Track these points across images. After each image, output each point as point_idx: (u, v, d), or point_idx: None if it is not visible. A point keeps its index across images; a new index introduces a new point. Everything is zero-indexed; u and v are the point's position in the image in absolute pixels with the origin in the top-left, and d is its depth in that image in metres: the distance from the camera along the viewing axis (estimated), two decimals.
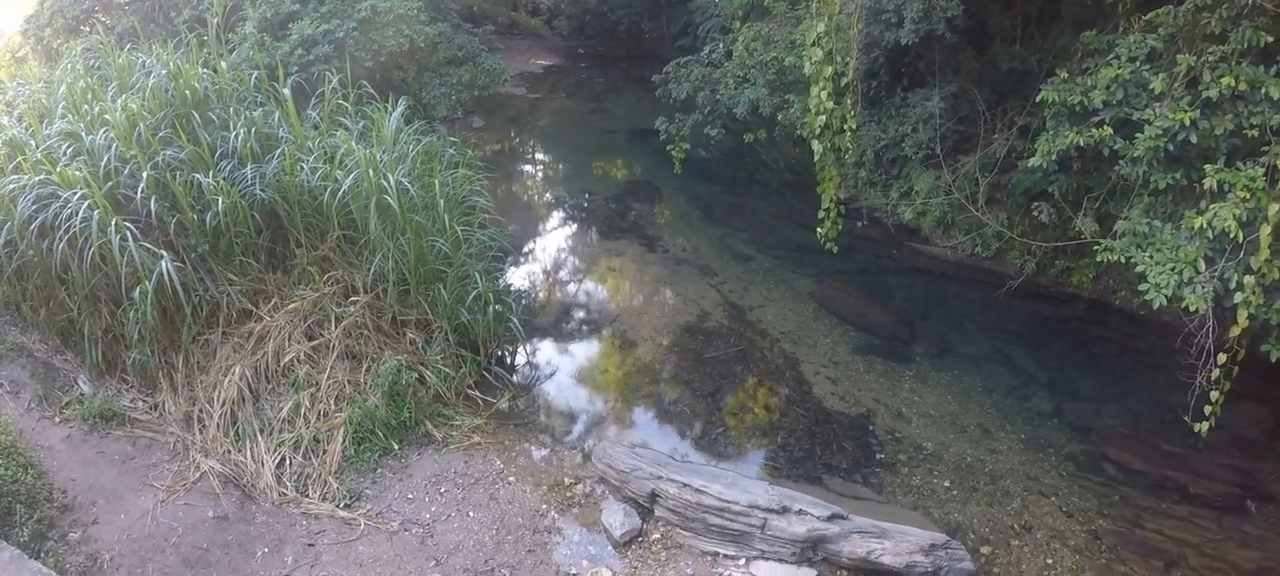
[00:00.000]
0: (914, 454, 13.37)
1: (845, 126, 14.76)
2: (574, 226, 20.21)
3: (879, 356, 15.85)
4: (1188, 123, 11.99)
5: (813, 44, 13.88)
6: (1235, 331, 11.35)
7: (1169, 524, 12.30)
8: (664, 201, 22.00)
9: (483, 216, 15.42)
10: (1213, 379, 11.70)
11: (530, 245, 18.80)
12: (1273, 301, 11.43)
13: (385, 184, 13.03)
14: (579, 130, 26.98)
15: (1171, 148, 12.25)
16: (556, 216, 20.49)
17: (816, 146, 14.41)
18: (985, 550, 11.65)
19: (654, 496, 11.53)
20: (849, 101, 15.02)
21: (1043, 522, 12.16)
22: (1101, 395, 14.97)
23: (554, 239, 19.46)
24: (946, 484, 12.78)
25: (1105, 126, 13.18)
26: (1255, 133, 11.73)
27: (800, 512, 10.91)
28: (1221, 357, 11.52)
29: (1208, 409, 11.82)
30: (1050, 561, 11.54)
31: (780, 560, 10.88)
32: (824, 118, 14.03)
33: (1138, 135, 12.48)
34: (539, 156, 24.84)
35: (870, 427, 13.95)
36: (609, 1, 41.19)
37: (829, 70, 13.84)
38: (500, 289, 14.52)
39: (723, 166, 22.45)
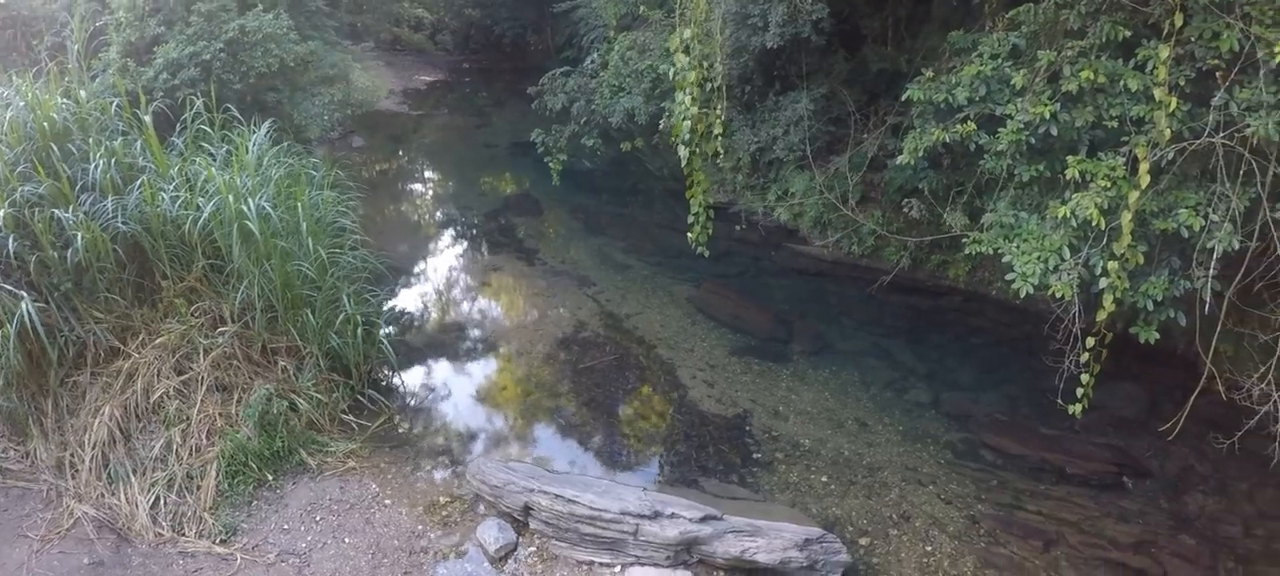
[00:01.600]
0: (792, 451, 13.47)
1: (713, 131, 14.91)
2: (453, 243, 20.09)
3: (756, 357, 15.97)
4: (1048, 116, 12.26)
5: (677, 50, 14.02)
6: (1102, 316, 11.65)
7: (1047, 504, 12.56)
8: (544, 214, 21.97)
9: (353, 238, 15.29)
10: (1083, 362, 12.01)
11: (408, 264, 18.61)
12: (1138, 285, 11.78)
13: (246, 210, 12.86)
14: (461, 146, 26.84)
15: (1033, 141, 12.51)
16: (436, 234, 20.31)
17: (684, 152, 14.45)
18: (864, 541, 11.79)
19: (527, 509, 11.45)
20: (717, 106, 15.10)
21: (921, 511, 12.34)
22: (980, 384, 15.28)
23: (432, 257, 19.30)
24: (824, 479, 12.91)
25: (969, 122, 13.45)
26: (1115, 124, 12.01)
27: (672, 516, 10.90)
28: (1090, 342, 11.82)
29: (1080, 391, 12.15)
30: (929, 548, 11.71)
31: (655, 564, 10.85)
32: (690, 123, 14.20)
33: (1000, 130, 12.72)
34: (419, 174, 24.67)
35: (747, 428, 14.04)
36: (493, 15, 41.05)
37: (694, 76, 13.86)
38: (371, 311, 14.36)
39: (606, 177, 22.53)
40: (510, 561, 11.08)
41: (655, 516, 10.95)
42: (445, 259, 19.33)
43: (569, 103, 20.84)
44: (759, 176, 20.21)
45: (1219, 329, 11.72)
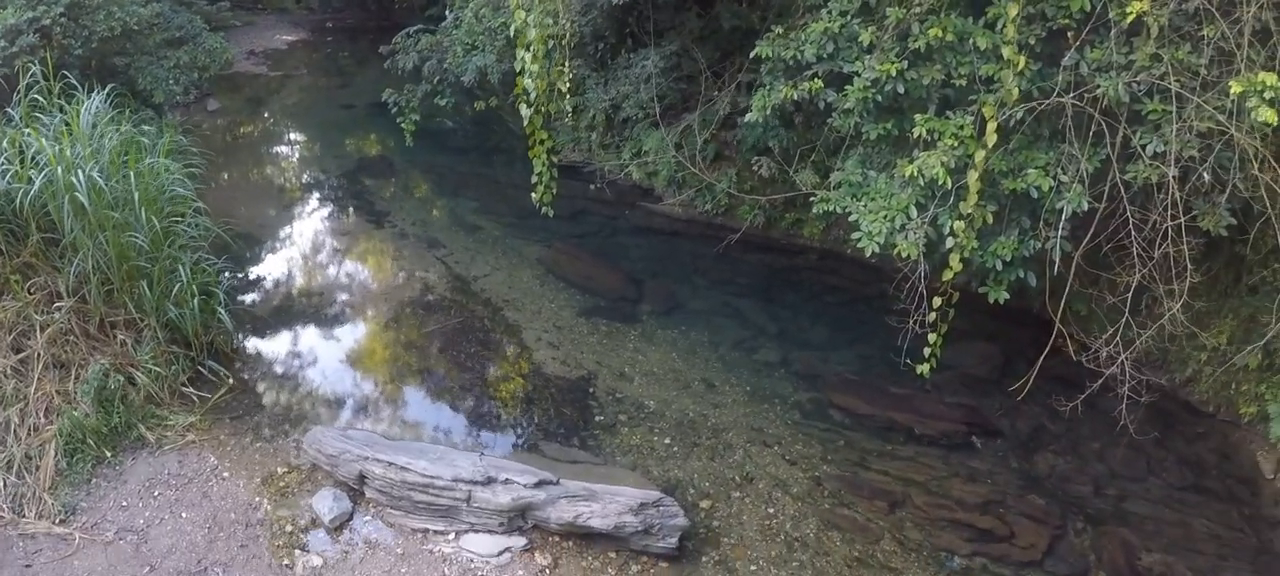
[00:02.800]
0: (635, 413, 13.34)
1: (555, 90, 14.70)
2: (304, 207, 19.52)
3: (604, 318, 15.73)
4: (895, 73, 12.01)
5: (516, 6, 13.74)
6: (948, 275, 11.56)
7: (894, 465, 12.52)
8: (397, 176, 21.44)
9: (195, 206, 14.81)
10: (930, 322, 11.89)
11: (258, 230, 18.00)
12: (987, 245, 11.69)
13: (76, 181, 12.40)
14: (320, 107, 26.23)
15: (881, 99, 12.28)
16: (287, 198, 19.66)
17: (525, 111, 14.12)
18: (705, 504, 11.66)
19: (362, 477, 11.21)
20: (563, 64, 14.91)
21: (765, 472, 12.22)
22: (831, 343, 15.17)
23: (282, 222, 18.67)
24: (667, 441, 12.76)
25: (817, 80, 13.19)
26: (964, 82, 11.85)
27: (506, 482, 10.73)
28: (937, 301, 11.73)
29: (927, 351, 12.05)
30: (772, 510, 11.61)
31: (490, 531, 10.77)
32: (531, 82, 13.93)
33: (847, 87, 12.48)
34: (274, 137, 24.03)
35: (591, 390, 13.83)
36: None
37: (535, 33, 13.49)
38: (209, 280, 13.88)
39: (467, 136, 22.15)
40: (346, 530, 10.95)
41: (488, 482, 10.79)
42: (295, 224, 18.82)
43: (421, 61, 20.34)
44: (614, 135, 19.89)
45: (1068, 290, 11.68)
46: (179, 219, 14.06)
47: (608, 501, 10.73)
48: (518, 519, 10.86)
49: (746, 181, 17.67)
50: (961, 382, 14.28)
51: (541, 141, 14.67)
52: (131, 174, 13.10)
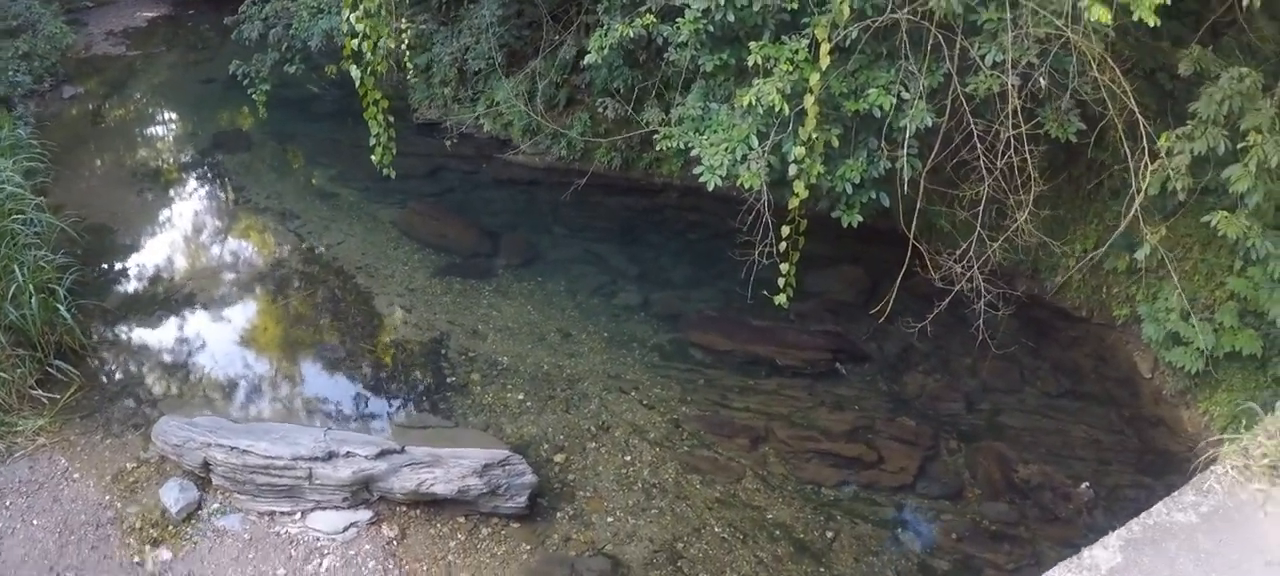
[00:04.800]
0: (488, 371, 13.12)
1: (386, 48, 14.34)
2: (156, 191, 18.74)
3: (459, 276, 15.43)
4: (724, 2, 11.61)
5: None
6: (794, 202, 11.35)
7: (756, 399, 12.37)
8: (253, 149, 20.70)
9: (36, 201, 14.63)
10: (781, 252, 11.71)
11: (108, 220, 17.28)
12: (835, 169, 11.46)
13: None
14: (179, 85, 25.46)
15: (712, 29, 11.95)
16: (139, 183, 18.79)
17: (354, 71, 13.76)
18: (559, 458, 11.49)
19: (207, 465, 10.90)
20: (390, 20, 14.68)
21: (622, 420, 12.06)
22: (694, 281, 14.94)
23: (134, 209, 17.87)
24: (521, 397, 12.55)
25: (649, 14, 12.98)
26: (795, 6, 11.47)
27: (348, 455, 10.52)
28: (785, 230, 11.53)
29: (781, 281, 11.86)
30: (629, 459, 11.48)
31: (335, 508, 10.58)
32: (358, 40, 13.65)
33: (679, 20, 12.17)
34: (131, 120, 23.15)
35: (443, 351, 13.56)
36: None
37: None
38: (50, 278, 13.49)
39: (331, 102, 21.71)
40: (194, 520, 10.70)
41: (329, 458, 10.57)
42: (147, 210, 18.14)
43: (266, 29, 19.91)
44: (467, 89, 19.57)
45: (918, 208, 11.42)
46: (18, 215, 13.78)
47: (451, 465, 10.52)
48: (362, 492, 10.66)
49: (600, 124, 17.35)
50: (827, 309, 14.13)
51: (375, 101, 14.19)
52: None
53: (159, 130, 23.55)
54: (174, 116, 24.18)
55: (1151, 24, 9.36)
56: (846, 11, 10.66)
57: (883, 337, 13.44)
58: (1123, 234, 11.51)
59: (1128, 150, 10.51)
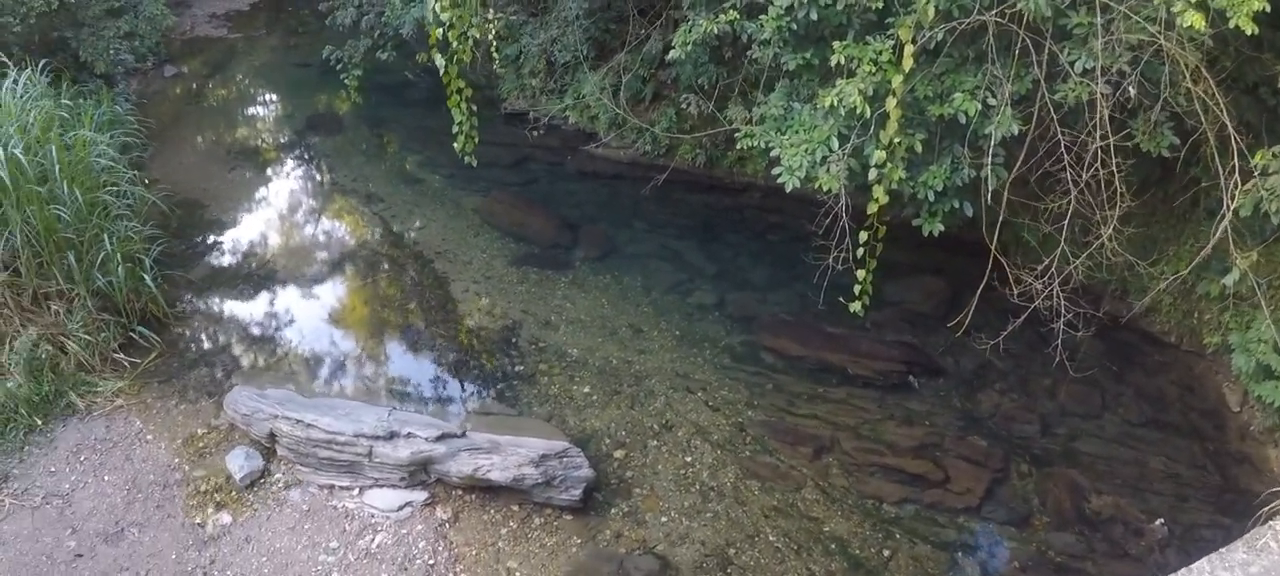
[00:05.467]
0: (556, 361, 13.14)
1: (473, 38, 14.26)
2: (246, 171, 18.80)
3: (536, 266, 15.38)
4: (806, 1, 11.34)
5: None
6: (873, 208, 11.01)
7: (824, 408, 12.13)
8: (345, 132, 20.91)
9: (130, 175, 14.87)
10: (859, 258, 11.38)
11: (199, 195, 17.44)
12: (917, 175, 11.12)
13: None
14: (277, 67, 25.68)
15: (795, 27, 11.65)
16: (230, 162, 18.83)
17: (440, 60, 13.78)
18: (619, 454, 11.45)
19: (273, 436, 11.18)
20: (475, 10, 14.64)
21: (686, 420, 11.93)
22: (771, 282, 14.72)
23: (224, 185, 17.99)
24: (587, 389, 12.52)
25: (733, 10, 12.75)
26: (880, 5, 11.08)
27: (408, 436, 10.66)
28: (863, 236, 11.20)
29: (857, 288, 11.55)
30: (689, 459, 11.37)
31: (392, 486, 10.79)
32: (442, 31, 13.50)
33: (763, 17, 11.90)
34: (227, 100, 23.32)
35: (514, 340, 13.53)
36: None
37: None
38: (137, 248, 13.85)
39: (425, 89, 21.88)
40: (257, 488, 11.07)
41: (390, 437, 10.73)
42: (236, 187, 18.30)
43: (359, 16, 20.07)
44: (555, 81, 19.64)
45: (1000, 219, 11.05)
46: (111, 188, 14.05)
47: (509, 453, 10.56)
48: (420, 473, 10.80)
49: (686, 121, 17.19)
50: (904, 319, 13.79)
51: (459, 90, 14.15)
52: (53, 148, 13.08)
53: (254, 111, 23.85)
54: (269, 98, 24.48)
55: (1249, 32, 8.98)
56: (931, 12, 10.29)
57: (960, 352, 13.08)
58: (1217, 257, 11.07)
59: (1219, 167, 10.08)
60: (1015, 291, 11.44)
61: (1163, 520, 10.79)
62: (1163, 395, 12.72)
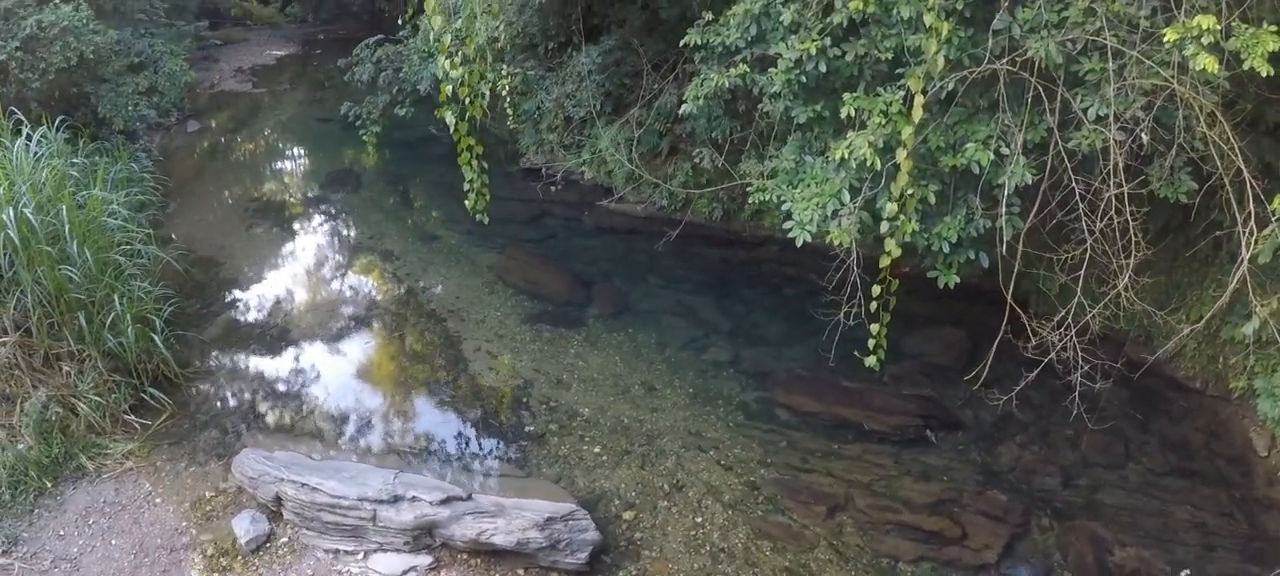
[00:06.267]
0: (567, 421, 12.97)
1: (483, 94, 14.16)
2: (264, 228, 18.93)
3: (549, 323, 15.29)
4: (815, 52, 11.31)
5: (432, 12, 13.35)
6: (885, 261, 10.89)
7: (838, 465, 11.93)
8: (362, 189, 20.89)
9: (143, 233, 14.94)
10: (872, 312, 11.23)
11: (215, 253, 17.51)
12: (931, 227, 10.97)
13: (5, 219, 12.43)
14: (298, 123, 25.89)
15: (805, 79, 11.62)
16: (249, 219, 18.99)
17: (450, 118, 13.72)
18: (628, 515, 11.26)
19: (279, 499, 11.10)
20: (485, 67, 14.61)
21: (697, 480, 11.74)
22: (787, 338, 14.57)
23: (240, 244, 18.09)
24: (597, 449, 12.36)
25: (743, 64, 12.67)
26: (889, 55, 11.10)
27: (413, 499, 10.56)
28: (877, 290, 11.05)
29: (872, 342, 11.38)
30: (700, 520, 11.15)
31: (397, 550, 10.60)
32: (452, 88, 13.44)
33: (772, 70, 11.87)
34: (247, 157, 23.58)
35: (525, 399, 13.40)
36: None
37: (449, 38, 13.12)
38: (148, 309, 13.82)
39: (442, 144, 21.92)
40: (263, 553, 10.87)
41: (394, 501, 10.63)
42: (252, 245, 18.35)
43: (377, 73, 20.16)
44: (572, 136, 19.73)
45: (1016, 270, 10.88)
46: (124, 248, 14.09)
47: (513, 516, 10.44)
48: (424, 537, 10.63)
49: (703, 175, 17.20)
50: (922, 372, 13.62)
51: (469, 148, 14.12)
52: (64, 207, 13.09)
53: (275, 166, 24.03)
54: (290, 154, 24.70)
55: (1264, 73, 8.83)
56: (941, 62, 10.22)
57: (979, 405, 12.86)
58: (1240, 303, 10.87)
59: (1236, 212, 9.90)
60: (1030, 345, 11.24)
61: (1188, 571, 10.42)
62: (1188, 442, 12.50)
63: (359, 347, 15.30)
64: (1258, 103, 11.07)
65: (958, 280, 11.44)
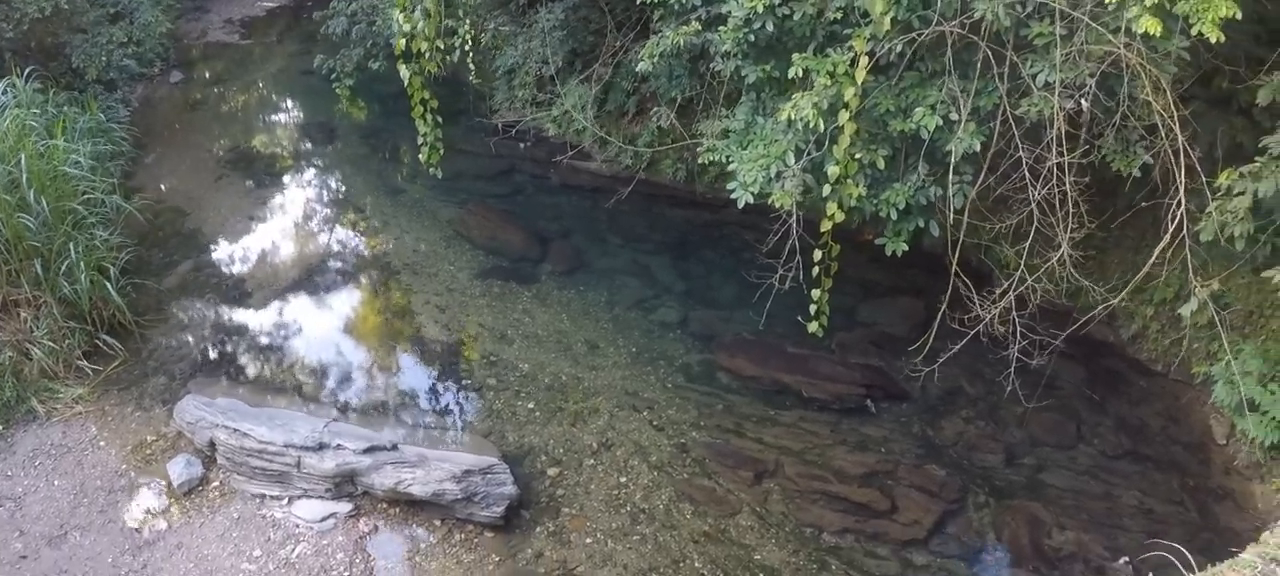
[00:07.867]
0: (505, 376, 13.14)
1: (436, 48, 14.15)
2: (235, 178, 18.59)
3: (500, 279, 15.29)
4: (763, 10, 11.03)
5: None
6: (826, 226, 10.74)
7: (772, 431, 11.94)
8: (336, 141, 21.06)
9: (107, 184, 15.36)
10: (815, 277, 11.11)
11: (183, 203, 17.47)
12: (879, 193, 10.84)
13: None
14: (282, 76, 25.62)
15: (754, 38, 11.37)
16: (221, 170, 19.00)
17: (405, 71, 13.79)
18: (553, 471, 11.53)
19: (213, 444, 11.43)
20: (439, 21, 14.34)
21: (628, 439, 11.84)
22: (739, 301, 14.30)
23: (208, 194, 17.85)
24: (531, 405, 12.58)
25: (695, 22, 12.61)
26: (840, 16, 10.82)
27: (337, 448, 10.85)
28: (818, 255, 10.90)
29: (813, 308, 11.26)
30: (624, 480, 11.27)
31: (320, 497, 10.97)
32: (405, 41, 13.55)
33: (721, 28, 11.67)
34: (227, 108, 23.32)
35: (466, 354, 13.52)
36: None
37: None
38: (103, 257, 14.06)
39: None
40: (194, 496, 11.33)
41: (319, 449, 10.93)
42: (219, 196, 18.08)
43: (350, 26, 20.25)
44: (544, 92, 19.77)
45: (961, 239, 10.73)
46: (86, 198, 14.45)
47: (432, 467, 10.66)
48: (346, 484, 10.94)
49: (669, 135, 17.14)
50: (872, 342, 13.51)
51: (423, 101, 14.09)
52: (23, 157, 13.33)
53: (253, 119, 23.89)
54: (271, 106, 24.62)
55: (1214, 40, 8.55)
56: (887, 22, 9.96)
57: (929, 377, 12.41)
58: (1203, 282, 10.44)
59: (1180, 186, 9.65)
60: (966, 316, 11.06)
61: (1128, 559, 10.33)
62: (1144, 426, 12.29)
63: (313, 299, 15.34)
64: (1232, 81, 10.93)
65: (906, 248, 11.24)
